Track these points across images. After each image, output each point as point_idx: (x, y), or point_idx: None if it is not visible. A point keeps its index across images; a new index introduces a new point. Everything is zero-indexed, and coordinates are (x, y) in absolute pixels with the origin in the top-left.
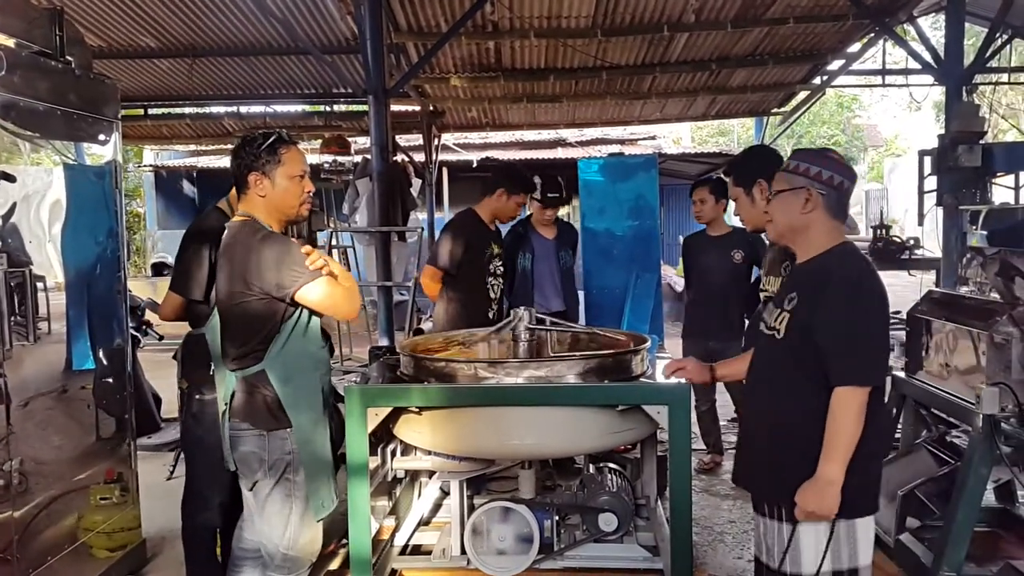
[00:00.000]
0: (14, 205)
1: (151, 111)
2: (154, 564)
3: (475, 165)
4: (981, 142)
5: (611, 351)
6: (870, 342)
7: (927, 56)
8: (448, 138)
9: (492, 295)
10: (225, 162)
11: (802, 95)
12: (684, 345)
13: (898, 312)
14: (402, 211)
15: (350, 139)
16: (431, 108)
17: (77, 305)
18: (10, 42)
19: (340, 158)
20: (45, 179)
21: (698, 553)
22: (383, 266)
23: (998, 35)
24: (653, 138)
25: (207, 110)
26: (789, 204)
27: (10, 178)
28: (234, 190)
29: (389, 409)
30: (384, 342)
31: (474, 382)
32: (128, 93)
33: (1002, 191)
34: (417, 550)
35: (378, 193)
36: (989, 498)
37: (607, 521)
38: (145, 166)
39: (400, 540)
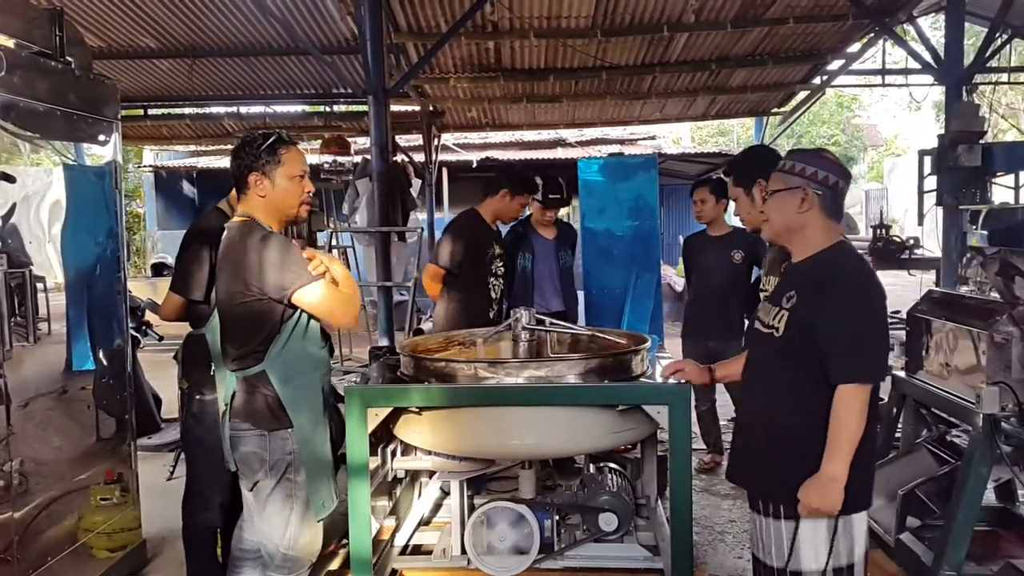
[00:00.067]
0: (14, 205)
1: (151, 111)
2: (154, 564)
3: (475, 165)
4: (981, 142)
5: (611, 351)
6: (873, 341)
7: (927, 56)
8: (448, 138)
9: (493, 295)
10: (225, 163)
11: (802, 95)
12: (684, 345)
13: (898, 312)
14: (402, 211)
15: (350, 139)
16: (431, 108)
17: (77, 306)
18: (10, 42)
19: (340, 158)
20: (45, 179)
21: (698, 553)
22: (383, 266)
23: (998, 35)
24: (653, 138)
25: (207, 110)
26: (785, 204)
27: (10, 178)
28: (234, 190)
29: (389, 409)
30: (384, 342)
31: (474, 382)
32: (128, 93)
33: (1002, 191)
34: (417, 550)
35: (378, 193)
36: (989, 497)
37: (607, 521)
38: (145, 166)
39: (400, 540)
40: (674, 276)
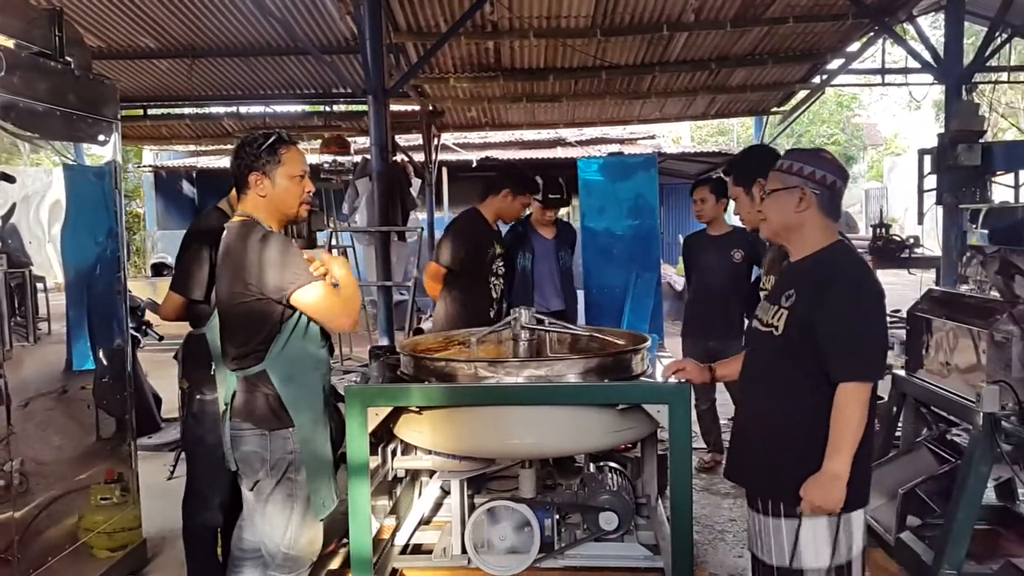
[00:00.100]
0: (14, 206)
1: (150, 111)
2: (154, 564)
3: (475, 165)
4: (981, 141)
5: (611, 350)
6: (871, 340)
7: (927, 55)
8: (448, 138)
9: (494, 295)
10: (224, 162)
11: (802, 94)
12: (684, 344)
13: (898, 311)
14: (402, 211)
15: (350, 139)
16: (431, 108)
17: (77, 305)
18: (10, 43)
19: (340, 158)
20: (45, 180)
21: (699, 552)
22: (383, 266)
23: (997, 34)
24: (653, 137)
25: (206, 110)
26: (783, 203)
27: (10, 179)
28: (234, 190)
29: (389, 409)
30: (384, 342)
31: (474, 381)
32: (127, 93)
33: (1002, 190)
34: (418, 549)
35: (378, 193)
36: (989, 496)
37: (608, 520)
38: (145, 166)
39: (401, 539)
40: (674, 275)
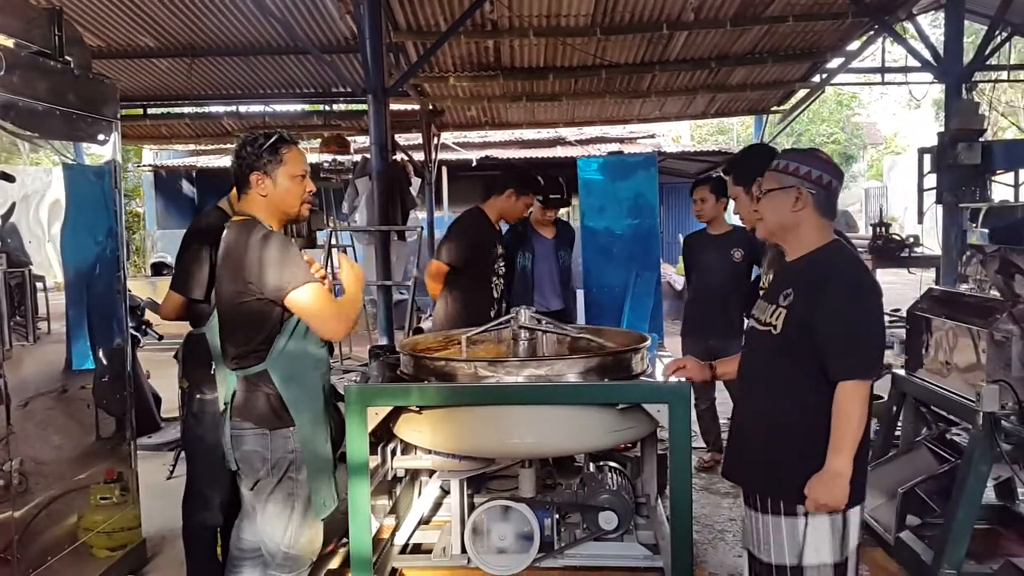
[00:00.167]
0: (13, 205)
1: (150, 111)
2: (154, 564)
3: (474, 164)
4: (980, 140)
5: (611, 350)
6: (870, 339)
7: (926, 54)
8: (447, 137)
9: (495, 294)
10: (224, 162)
11: (801, 93)
12: (684, 343)
13: (898, 310)
14: (402, 210)
15: (349, 138)
16: (430, 107)
17: (77, 305)
18: (9, 42)
19: (339, 157)
20: (44, 179)
21: (698, 551)
22: (383, 265)
23: (997, 33)
24: (652, 136)
25: (206, 110)
26: (779, 203)
27: (9, 178)
28: (234, 189)
29: (389, 408)
30: (384, 341)
31: (474, 381)
32: (127, 93)
33: (1001, 189)
34: (417, 549)
35: (377, 192)
36: (989, 495)
37: (607, 519)
38: (144, 166)
39: (400, 539)
40: (674, 274)
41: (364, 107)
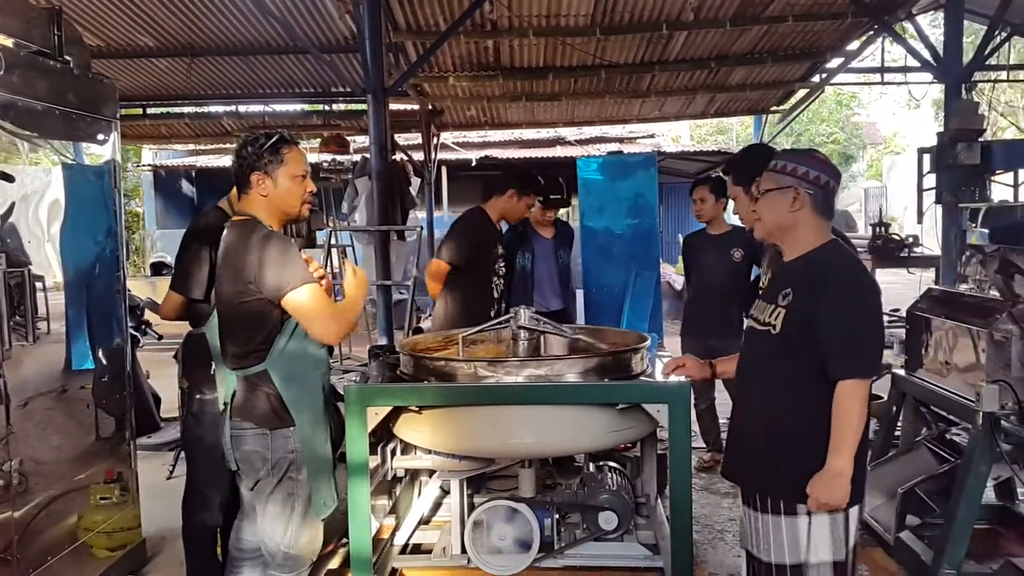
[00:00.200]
0: (13, 205)
1: (150, 110)
2: (154, 564)
3: (474, 164)
4: (980, 140)
5: (611, 350)
6: (870, 338)
7: (926, 54)
8: (447, 137)
9: (495, 295)
10: (224, 162)
11: (801, 93)
12: (683, 343)
13: (898, 310)
14: (401, 210)
15: (349, 138)
16: (430, 107)
17: (76, 305)
18: (8, 42)
19: (339, 157)
20: (44, 179)
21: (698, 551)
22: (382, 265)
23: (997, 33)
24: (652, 136)
25: (206, 109)
26: (777, 203)
27: (9, 178)
28: (234, 189)
29: (389, 408)
30: (383, 341)
31: (474, 381)
32: (127, 92)
33: (1001, 188)
34: (417, 549)
35: (377, 192)
36: (989, 495)
37: (607, 519)
38: (144, 166)
39: (400, 539)
40: (673, 274)
41: (364, 107)
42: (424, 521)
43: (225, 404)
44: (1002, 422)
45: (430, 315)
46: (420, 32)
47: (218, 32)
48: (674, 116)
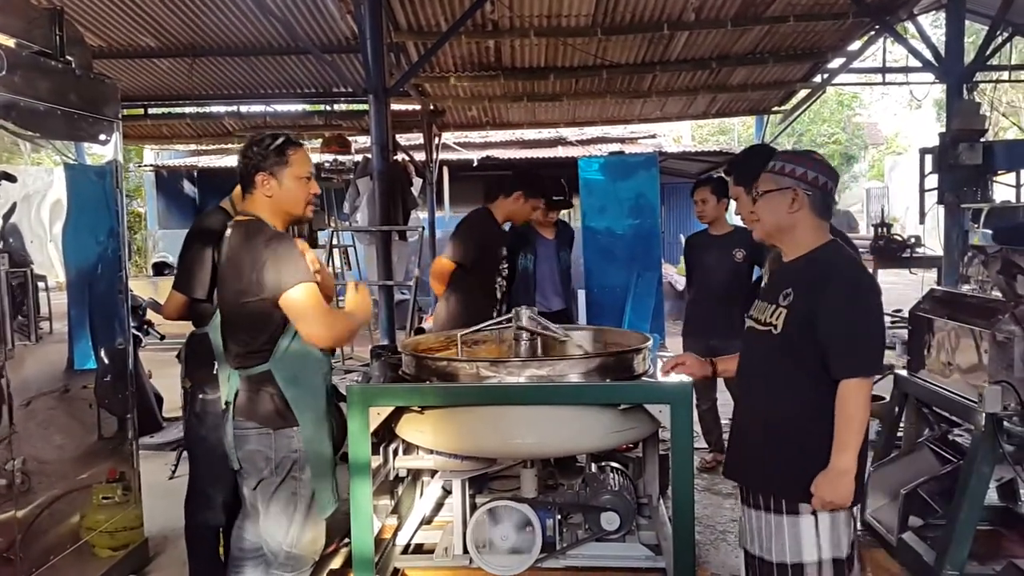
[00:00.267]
0: (15, 205)
1: (151, 111)
2: (156, 563)
3: (475, 164)
4: (982, 140)
5: (613, 350)
6: (871, 337)
7: (928, 54)
8: (448, 137)
9: (498, 295)
10: (225, 162)
11: (802, 93)
12: (685, 344)
13: (900, 311)
14: (403, 210)
15: (350, 138)
16: (431, 107)
17: (79, 305)
18: (10, 42)
19: (341, 157)
20: (46, 179)
21: (700, 552)
22: (384, 265)
23: (998, 33)
24: (653, 136)
25: (207, 110)
26: (776, 204)
27: (11, 178)
28: (237, 189)
29: (391, 408)
30: (385, 341)
31: (476, 381)
32: (128, 93)
33: (1003, 189)
34: (419, 549)
35: (379, 192)
36: (992, 496)
37: (609, 520)
38: (146, 166)
39: (402, 539)
40: (675, 275)
41: (365, 107)
42: (426, 521)
43: (227, 403)
44: (1005, 423)
45: (431, 314)
46: (421, 32)
47: (219, 32)
48: (675, 116)
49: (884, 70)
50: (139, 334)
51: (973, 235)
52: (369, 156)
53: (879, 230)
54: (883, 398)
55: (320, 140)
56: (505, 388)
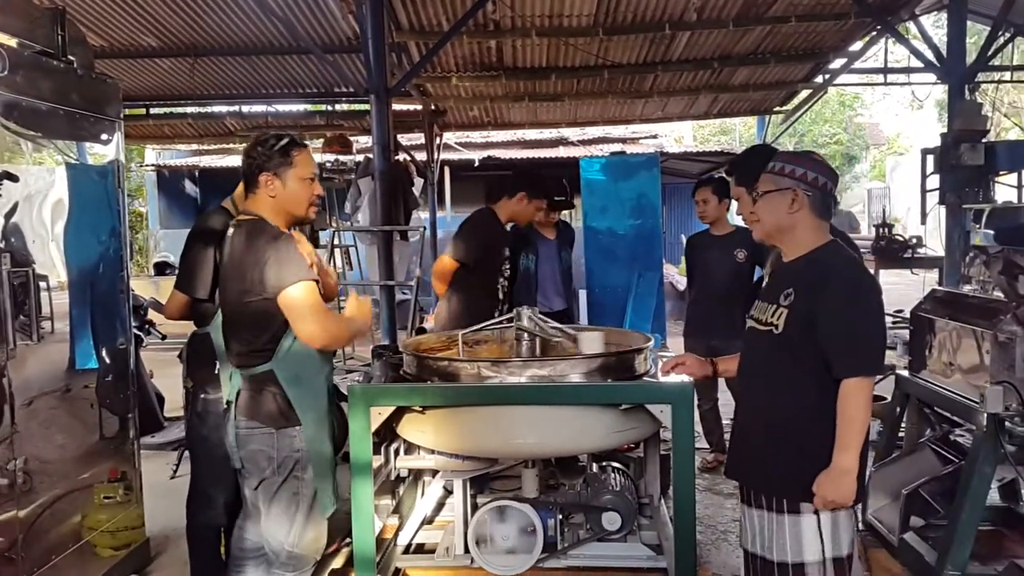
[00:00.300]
0: (16, 204)
1: (153, 111)
2: (158, 563)
3: (477, 164)
4: (984, 140)
5: (614, 350)
6: (872, 337)
7: (929, 54)
8: (450, 137)
9: (500, 295)
10: (227, 162)
11: (804, 94)
12: (686, 344)
13: (901, 311)
14: (404, 210)
15: (352, 138)
16: (433, 107)
17: (80, 304)
18: (12, 42)
19: (342, 157)
20: (48, 179)
21: (702, 552)
22: (385, 265)
23: (1000, 33)
24: (655, 137)
25: (209, 109)
26: (776, 204)
27: (13, 178)
28: (239, 189)
29: (392, 408)
30: (386, 341)
31: (477, 381)
32: (130, 93)
33: (1004, 189)
34: (421, 549)
35: (380, 192)
36: (993, 497)
37: (611, 520)
38: (147, 166)
39: (404, 539)
40: (676, 275)
41: (366, 107)
42: (427, 521)
43: (229, 403)
44: (1006, 423)
45: (433, 313)
46: (423, 32)
47: (221, 32)
48: (677, 116)
49: (886, 70)
50: (140, 334)
51: (975, 235)
52: (370, 156)
53: (880, 230)
54: (884, 398)
55: (322, 140)
56: (506, 388)
